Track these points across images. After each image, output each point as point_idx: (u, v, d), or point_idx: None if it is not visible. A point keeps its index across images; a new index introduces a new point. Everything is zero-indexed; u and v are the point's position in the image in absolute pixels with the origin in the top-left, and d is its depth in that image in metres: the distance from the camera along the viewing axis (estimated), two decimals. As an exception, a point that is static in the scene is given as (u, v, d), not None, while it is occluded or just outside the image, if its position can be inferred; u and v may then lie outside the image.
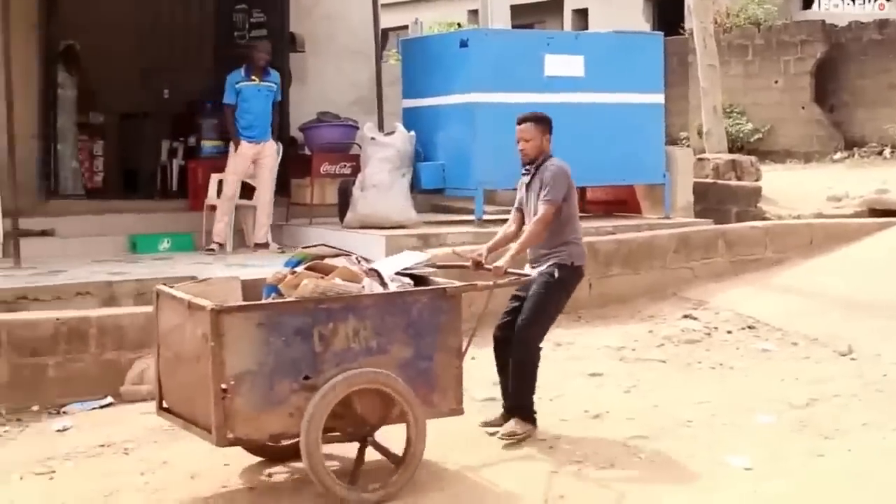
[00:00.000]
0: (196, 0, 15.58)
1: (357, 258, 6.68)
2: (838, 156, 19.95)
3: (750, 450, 6.58)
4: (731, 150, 17.47)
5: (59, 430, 7.54)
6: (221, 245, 11.92)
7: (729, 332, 9.89)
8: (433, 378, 6.23)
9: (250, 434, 5.82)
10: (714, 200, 14.42)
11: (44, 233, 11.88)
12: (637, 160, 12.36)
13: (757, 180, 15.36)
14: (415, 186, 12.04)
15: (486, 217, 11.93)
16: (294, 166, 12.89)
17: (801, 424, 7.09)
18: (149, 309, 8.85)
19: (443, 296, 6.28)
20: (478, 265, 7.01)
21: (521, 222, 7.31)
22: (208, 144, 13.71)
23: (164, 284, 6.59)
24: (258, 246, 12.05)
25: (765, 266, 11.83)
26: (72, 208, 12.67)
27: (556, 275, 6.97)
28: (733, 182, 15.09)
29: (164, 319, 6.28)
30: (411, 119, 12.44)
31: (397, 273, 6.54)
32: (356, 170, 12.20)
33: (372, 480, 6.00)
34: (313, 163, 12.66)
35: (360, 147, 12.29)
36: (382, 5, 14.52)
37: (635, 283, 11.07)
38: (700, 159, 15.54)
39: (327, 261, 6.53)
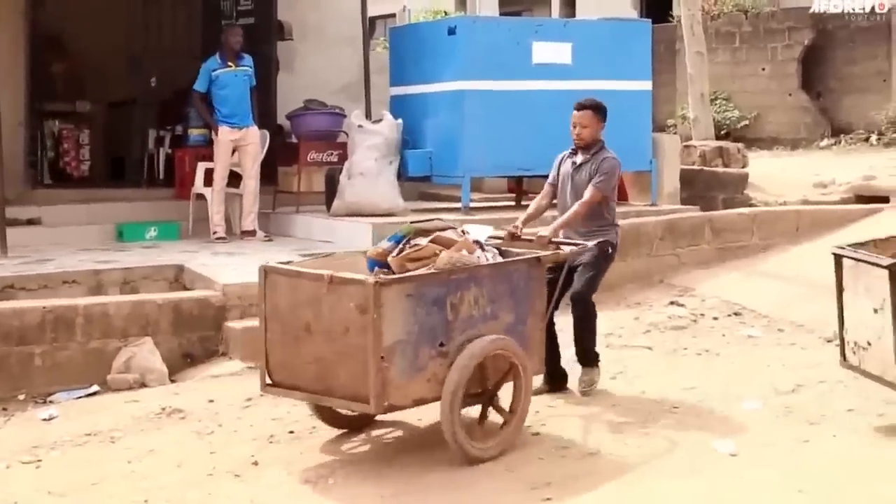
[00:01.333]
0: (183, -12, 15.56)
1: (461, 230, 6.90)
2: (825, 142, 19.97)
3: (736, 436, 6.60)
4: (717, 137, 17.47)
5: (45, 419, 7.53)
6: (223, 237, 11.85)
7: (715, 318, 9.90)
8: (526, 340, 6.63)
9: (400, 401, 6.07)
10: (701, 187, 14.44)
11: (30, 221, 11.88)
12: (624, 147, 12.04)
13: (744, 167, 15.38)
14: (401, 174, 12.04)
15: (472, 205, 11.93)
16: (281, 154, 12.88)
17: (786, 410, 7.11)
18: (135, 297, 9.00)
19: (536, 264, 6.71)
20: (514, 237, 7.38)
21: (553, 196, 7.78)
22: (195, 133, 13.65)
23: (272, 262, 6.63)
24: (245, 234, 12.03)
25: (751, 253, 11.85)
26: (58, 197, 12.65)
27: (611, 250, 7.48)
28: (720, 169, 15.11)
29: (278, 295, 6.31)
30: (398, 107, 12.44)
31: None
32: (343, 157, 12.20)
33: (483, 436, 6.37)
34: (300, 151, 12.65)
35: (347, 135, 12.28)
36: (370, -7, 14.52)
37: (622, 270, 11.00)
38: (687, 146, 15.56)
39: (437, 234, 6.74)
